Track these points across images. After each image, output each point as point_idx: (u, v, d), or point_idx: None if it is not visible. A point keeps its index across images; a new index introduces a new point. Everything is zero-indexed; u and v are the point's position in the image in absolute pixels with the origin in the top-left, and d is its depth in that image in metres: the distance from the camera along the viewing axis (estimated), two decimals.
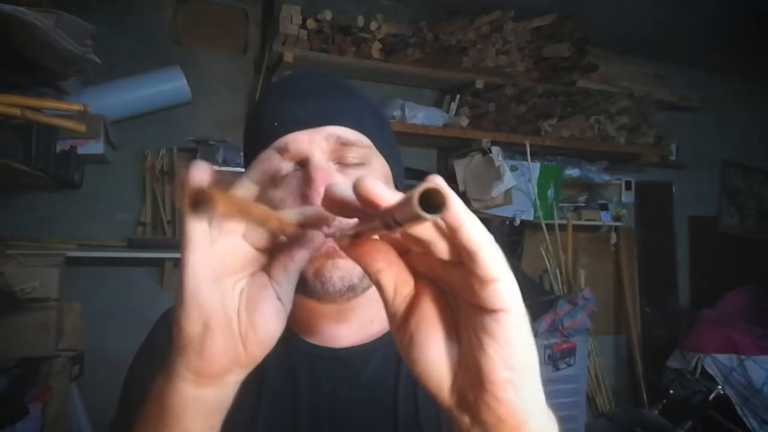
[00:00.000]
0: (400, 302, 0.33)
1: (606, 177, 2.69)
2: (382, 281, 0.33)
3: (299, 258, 0.41)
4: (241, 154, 2.23)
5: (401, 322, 0.33)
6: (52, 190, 1.94)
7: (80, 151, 1.78)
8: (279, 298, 0.40)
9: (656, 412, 2.59)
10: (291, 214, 0.40)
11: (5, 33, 1.23)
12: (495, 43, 2.31)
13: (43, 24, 1.25)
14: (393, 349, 0.60)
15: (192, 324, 0.37)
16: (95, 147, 1.82)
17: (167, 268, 2.05)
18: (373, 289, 0.61)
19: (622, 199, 2.75)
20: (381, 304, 0.67)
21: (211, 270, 0.37)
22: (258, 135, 0.59)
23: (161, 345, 0.53)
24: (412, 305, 0.33)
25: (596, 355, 2.69)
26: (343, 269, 0.54)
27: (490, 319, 0.29)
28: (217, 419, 0.41)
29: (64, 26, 1.34)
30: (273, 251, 0.41)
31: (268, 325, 0.40)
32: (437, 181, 0.27)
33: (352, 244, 0.34)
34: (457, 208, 0.28)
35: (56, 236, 1.93)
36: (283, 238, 0.41)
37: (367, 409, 0.57)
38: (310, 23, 2.10)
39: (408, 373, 0.58)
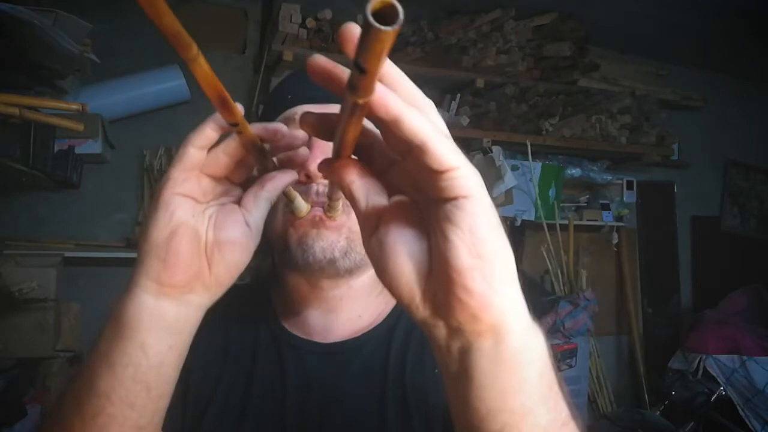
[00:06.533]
0: (372, 211, 0.33)
1: (608, 177, 2.68)
2: (355, 192, 0.33)
3: (270, 187, 0.42)
4: None
5: (372, 231, 0.33)
6: (50, 190, 1.93)
7: (78, 150, 1.78)
8: (247, 223, 0.41)
9: (658, 413, 2.58)
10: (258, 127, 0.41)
11: (3, 32, 1.22)
12: (496, 42, 2.30)
13: (42, 23, 1.24)
14: (382, 342, 0.61)
15: (160, 229, 0.38)
16: (93, 146, 1.82)
17: None
18: (362, 283, 0.62)
19: (624, 199, 2.75)
20: (370, 299, 0.66)
21: (189, 189, 0.39)
22: (270, 108, 0.62)
23: None
24: (384, 215, 0.32)
25: (597, 355, 2.68)
26: (326, 240, 0.55)
27: (452, 207, 0.28)
28: (176, 340, 0.41)
29: (63, 25, 1.34)
30: (245, 185, 0.43)
31: (235, 246, 0.41)
32: None
33: (330, 164, 0.34)
34: (392, 100, 0.27)
35: (54, 236, 1.92)
36: (255, 172, 0.43)
37: (356, 403, 0.57)
38: (310, 22, 2.09)
39: (397, 364, 0.59)
